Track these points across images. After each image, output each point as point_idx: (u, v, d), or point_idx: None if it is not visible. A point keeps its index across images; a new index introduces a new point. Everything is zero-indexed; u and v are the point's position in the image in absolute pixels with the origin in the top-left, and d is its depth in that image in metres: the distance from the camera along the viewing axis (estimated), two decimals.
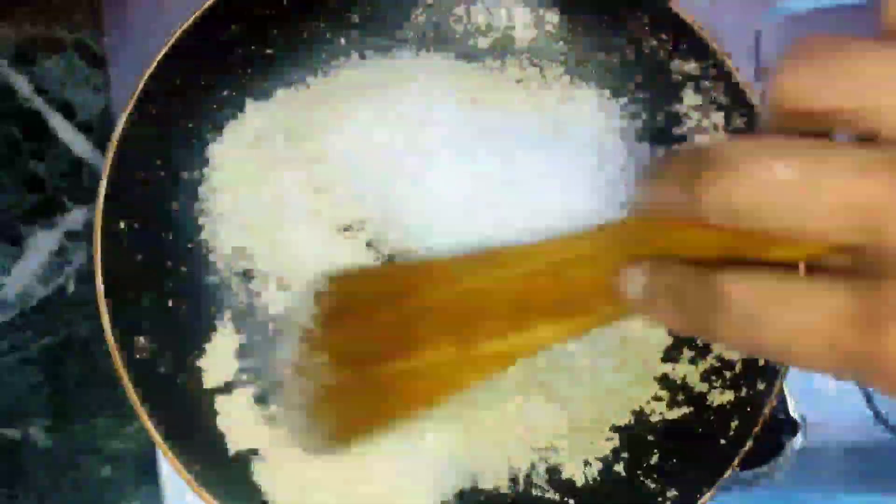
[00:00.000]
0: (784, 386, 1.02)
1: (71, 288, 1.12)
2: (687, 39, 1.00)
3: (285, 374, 0.85)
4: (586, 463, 0.95)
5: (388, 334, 0.81)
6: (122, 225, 0.90)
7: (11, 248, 1.11)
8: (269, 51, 0.99)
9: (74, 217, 1.14)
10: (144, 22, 1.15)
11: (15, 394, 1.08)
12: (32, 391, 1.08)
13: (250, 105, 1.00)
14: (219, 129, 0.99)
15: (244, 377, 0.95)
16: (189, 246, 0.97)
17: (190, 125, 0.98)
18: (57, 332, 1.10)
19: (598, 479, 0.95)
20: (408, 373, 0.78)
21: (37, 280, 1.12)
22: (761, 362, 0.94)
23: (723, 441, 0.92)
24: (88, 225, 1.11)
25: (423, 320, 0.78)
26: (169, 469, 0.98)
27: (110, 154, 0.87)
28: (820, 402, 1.09)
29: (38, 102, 1.16)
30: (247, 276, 0.98)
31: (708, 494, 0.87)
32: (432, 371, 0.77)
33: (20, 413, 1.07)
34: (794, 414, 1.04)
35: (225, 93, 0.99)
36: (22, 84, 1.16)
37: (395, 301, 0.81)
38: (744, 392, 0.94)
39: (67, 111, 1.16)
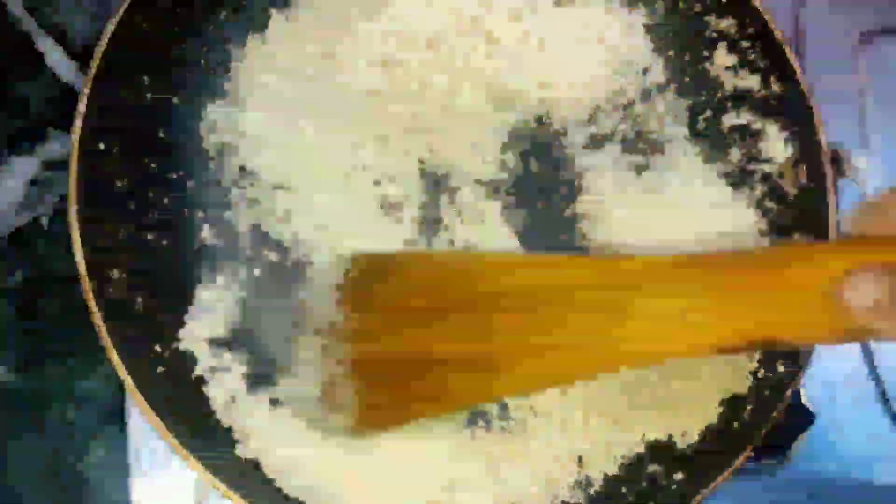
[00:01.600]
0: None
1: (48, 220, 1.05)
2: None
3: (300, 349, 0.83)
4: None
5: (434, 323, 0.78)
6: (101, 146, 0.83)
7: None
8: None
9: (56, 145, 1.06)
10: None
11: None
12: (4, 327, 1.00)
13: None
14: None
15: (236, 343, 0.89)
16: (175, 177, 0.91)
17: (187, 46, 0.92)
18: (32, 267, 1.03)
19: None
20: (446, 365, 0.77)
21: (13, 209, 1.04)
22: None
23: (736, 425, 0.86)
24: None
25: (491, 311, 0.76)
26: (137, 415, 0.92)
27: (95, 61, 0.81)
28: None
29: (30, 23, 1.09)
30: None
31: (719, 479, 0.81)
32: (476, 367, 0.76)
33: None
34: (807, 403, 0.98)
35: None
36: (13, 2, 1.09)
37: (446, 288, 0.78)
38: (761, 375, 0.88)
39: (59, 35, 1.09)
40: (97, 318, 0.78)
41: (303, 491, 0.84)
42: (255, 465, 0.85)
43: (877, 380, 1.04)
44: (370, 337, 0.82)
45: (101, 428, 0.98)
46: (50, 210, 1.04)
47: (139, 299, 0.85)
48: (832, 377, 1.04)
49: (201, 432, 0.83)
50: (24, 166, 1.05)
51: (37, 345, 1.00)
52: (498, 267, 0.81)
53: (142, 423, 0.91)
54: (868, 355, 1.04)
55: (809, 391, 0.98)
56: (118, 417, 0.96)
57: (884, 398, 1.04)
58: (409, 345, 0.80)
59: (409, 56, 0.93)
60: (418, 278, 0.83)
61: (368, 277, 0.85)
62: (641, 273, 0.72)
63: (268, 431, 0.86)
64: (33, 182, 1.05)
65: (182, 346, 0.87)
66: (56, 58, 1.08)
